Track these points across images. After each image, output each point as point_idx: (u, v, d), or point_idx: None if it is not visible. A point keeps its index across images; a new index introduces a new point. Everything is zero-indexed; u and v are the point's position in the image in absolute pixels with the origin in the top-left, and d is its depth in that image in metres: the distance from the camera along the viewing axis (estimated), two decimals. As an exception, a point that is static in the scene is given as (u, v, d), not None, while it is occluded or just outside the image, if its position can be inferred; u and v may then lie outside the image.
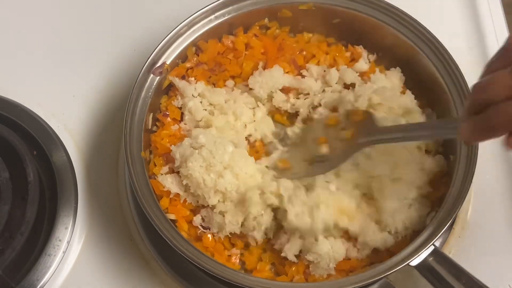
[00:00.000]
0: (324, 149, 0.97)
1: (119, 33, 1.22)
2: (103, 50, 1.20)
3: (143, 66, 1.01)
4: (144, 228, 1.01)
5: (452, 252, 0.99)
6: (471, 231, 1.00)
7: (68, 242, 1.00)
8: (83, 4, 1.27)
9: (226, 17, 1.06)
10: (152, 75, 1.02)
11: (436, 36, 0.99)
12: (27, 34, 1.23)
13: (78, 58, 1.20)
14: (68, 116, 1.13)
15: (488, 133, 0.67)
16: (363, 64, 1.07)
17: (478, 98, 0.67)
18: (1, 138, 1.04)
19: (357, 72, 1.06)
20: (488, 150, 1.05)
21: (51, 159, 1.06)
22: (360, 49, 1.08)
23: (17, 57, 1.21)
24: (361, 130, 0.93)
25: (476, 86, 0.68)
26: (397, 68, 1.06)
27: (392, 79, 1.04)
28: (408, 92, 1.04)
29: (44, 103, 1.14)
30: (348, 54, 1.08)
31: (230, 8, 1.06)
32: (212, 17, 1.05)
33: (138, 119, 0.98)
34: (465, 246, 0.99)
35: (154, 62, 1.02)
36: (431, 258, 0.84)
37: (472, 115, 0.68)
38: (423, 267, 0.84)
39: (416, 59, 1.02)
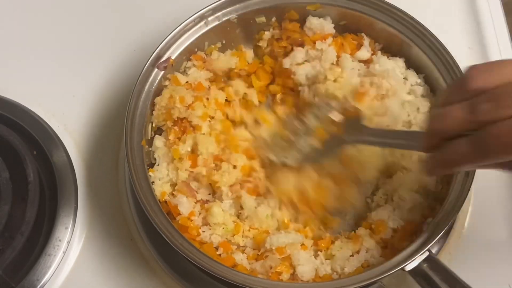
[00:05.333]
0: (316, 141, 0.97)
1: (119, 33, 1.22)
2: (103, 50, 1.20)
3: (148, 60, 1.00)
4: (144, 228, 1.00)
5: (452, 252, 0.99)
6: (471, 231, 1.00)
7: (68, 242, 1.00)
8: (83, 4, 1.27)
9: (233, 15, 1.06)
10: (156, 69, 1.02)
11: (437, 36, 0.99)
12: (27, 34, 1.23)
13: (78, 58, 1.20)
14: (68, 116, 1.13)
15: (443, 169, 0.76)
16: (364, 52, 1.06)
17: (433, 127, 0.72)
18: (1, 138, 1.04)
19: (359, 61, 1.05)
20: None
21: (51, 159, 1.06)
22: (363, 37, 1.07)
23: (17, 57, 1.21)
24: (348, 127, 0.95)
25: (431, 115, 0.75)
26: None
27: (398, 62, 1.04)
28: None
29: (44, 103, 1.14)
30: (355, 42, 1.07)
31: (238, 6, 1.06)
32: (219, 13, 1.06)
33: (140, 113, 0.98)
34: (465, 247, 0.99)
35: (160, 56, 1.02)
36: (425, 264, 0.83)
37: (431, 147, 0.73)
38: (416, 273, 0.83)
39: (418, 59, 1.02)
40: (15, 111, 1.11)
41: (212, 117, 1.03)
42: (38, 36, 1.23)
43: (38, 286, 0.96)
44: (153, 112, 1.01)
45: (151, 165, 0.99)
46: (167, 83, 1.03)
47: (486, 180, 1.02)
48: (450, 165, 0.72)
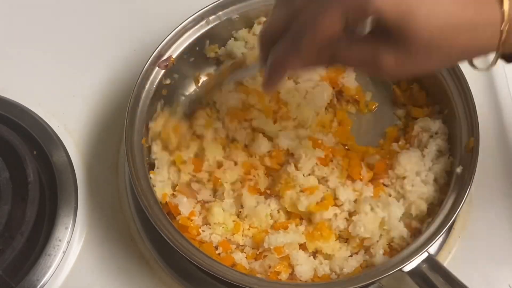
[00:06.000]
0: None
1: (119, 33, 1.22)
2: (103, 50, 1.20)
3: (149, 59, 1.01)
4: (144, 228, 1.00)
5: (452, 252, 0.98)
6: (471, 231, 1.00)
7: (68, 242, 1.00)
8: (83, 4, 1.27)
9: (234, 14, 1.06)
10: (157, 68, 1.02)
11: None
12: (27, 34, 1.23)
13: (78, 58, 1.20)
14: (68, 116, 1.13)
15: (273, 78, 0.72)
16: None
17: (260, 34, 0.74)
18: (1, 138, 1.04)
19: None
20: (488, 150, 1.05)
21: (51, 159, 1.06)
22: None
23: (17, 57, 1.21)
24: None
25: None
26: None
27: None
28: None
29: (44, 103, 1.14)
30: None
31: (239, 5, 1.06)
32: (220, 13, 1.06)
33: (141, 111, 0.98)
34: (465, 247, 0.99)
35: (161, 55, 1.02)
36: (424, 265, 0.84)
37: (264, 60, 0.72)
38: (415, 274, 0.83)
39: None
40: (15, 111, 1.11)
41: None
42: (38, 36, 1.23)
43: (38, 286, 0.96)
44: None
45: (152, 164, 0.99)
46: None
47: (486, 180, 1.02)
48: (276, 69, 0.70)
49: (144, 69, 1.00)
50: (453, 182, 0.90)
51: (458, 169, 0.90)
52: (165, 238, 0.86)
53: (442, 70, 0.98)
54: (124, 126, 0.95)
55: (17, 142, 1.03)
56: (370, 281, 0.83)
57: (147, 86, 1.01)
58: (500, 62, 1.14)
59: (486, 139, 1.03)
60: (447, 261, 0.98)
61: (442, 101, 1.00)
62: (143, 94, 1.00)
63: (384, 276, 0.83)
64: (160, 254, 0.99)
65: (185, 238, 0.87)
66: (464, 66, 0.96)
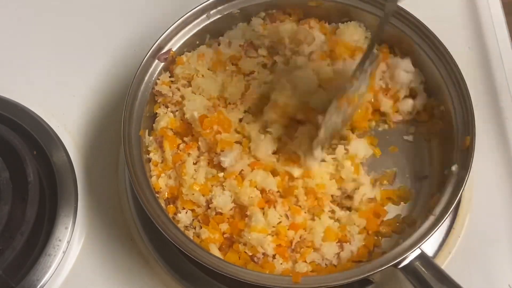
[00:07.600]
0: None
1: (118, 33, 1.23)
2: (103, 50, 1.20)
3: (149, 51, 1.01)
4: (144, 228, 1.01)
5: (452, 252, 0.98)
6: (471, 230, 1.00)
7: (68, 242, 1.00)
8: (83, 5, 1.27)
9: (235, 9, 1.07)
10: (157, 60, 1.02)
11: (437, 36, 0.99)
12: (27, 35, 1.24)
13: (78, 58, 1.20)
14: (68, 116, 1.14)
15: None
16: None
17: None
18: (1, 138, 1.04)
19: None
20: (488, 150, 1.05)
21: (51, 159, 1.06)
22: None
23: (17, 57, 1.21)
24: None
25: None
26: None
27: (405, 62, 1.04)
28: None
29: (44, 103, 1.14)
30: None
31: (240, 0, 1.07)
32: (221, 7, 1.06)
33: (140, 103, 0.99)
34: (465, 246, 0.99)
35: (161, 47, 1.02)
36: (417, 262, 0.84)
37: None
38: (408, 270, 0.84)
39: (419, 58, 1.02)
40: (15, 111, 1.11)
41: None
42: (38, 36, 1.23)
43: (38, 286, 0.96)
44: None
45: (148, 159, 1.00)
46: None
47: (486, 181, 1.02)
48: None
49: (144, 61, 1.00)
50: (449, 180, 0.89)
51: (454, 168, 0.90)
52: (158, 226, 0.86)
53: (441, 70, 0.98)
54: (122, 116, 0.96)
55: (17, 142, 1.03)
56: (363, 276, 0.83)
57: (146, 78, 1.01)
58: (500, 63, 1.15)
59: (486, 139, 1.04)
60: (447, 261, 0.98)
61: (438, 96, 1.00)
62: (142, 86, 1.00)
63: (377, 271, 0.83)
64: (160, 254, 0.99)
65: (179, 229, 0.88)
66: (464, 66, 0.97)
